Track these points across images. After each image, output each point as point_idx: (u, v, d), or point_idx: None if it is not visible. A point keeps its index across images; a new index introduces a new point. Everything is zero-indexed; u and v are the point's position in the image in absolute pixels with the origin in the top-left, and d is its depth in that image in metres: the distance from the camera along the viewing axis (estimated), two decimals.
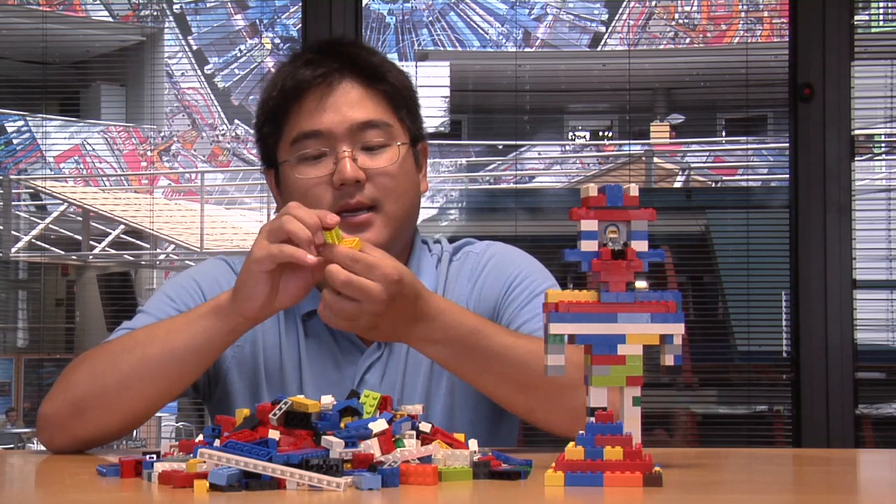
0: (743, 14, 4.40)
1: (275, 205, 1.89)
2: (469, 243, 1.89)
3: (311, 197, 1.71)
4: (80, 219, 5.06)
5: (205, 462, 1.20)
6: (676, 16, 4.82)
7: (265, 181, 1.87)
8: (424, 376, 1.75)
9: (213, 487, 1.17)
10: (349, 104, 1.74)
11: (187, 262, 4.99)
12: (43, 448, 1.68)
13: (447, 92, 4.55)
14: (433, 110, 4.34)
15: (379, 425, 1.25)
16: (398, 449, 1.25)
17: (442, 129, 4.57)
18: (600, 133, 5.60)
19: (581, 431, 1.18)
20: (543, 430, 1.62)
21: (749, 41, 4.20)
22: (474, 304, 1.80)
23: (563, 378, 1.19)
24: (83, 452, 1.64)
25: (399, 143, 1.75)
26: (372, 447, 1.23)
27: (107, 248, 5.10)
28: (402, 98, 1.79)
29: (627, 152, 4.49)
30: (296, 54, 1.82)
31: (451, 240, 1.92)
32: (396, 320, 1.52)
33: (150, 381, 1.59)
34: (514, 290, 1.78)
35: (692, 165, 4.70)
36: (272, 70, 5.02)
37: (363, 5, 3.78)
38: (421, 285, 1.55)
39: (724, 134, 4.70)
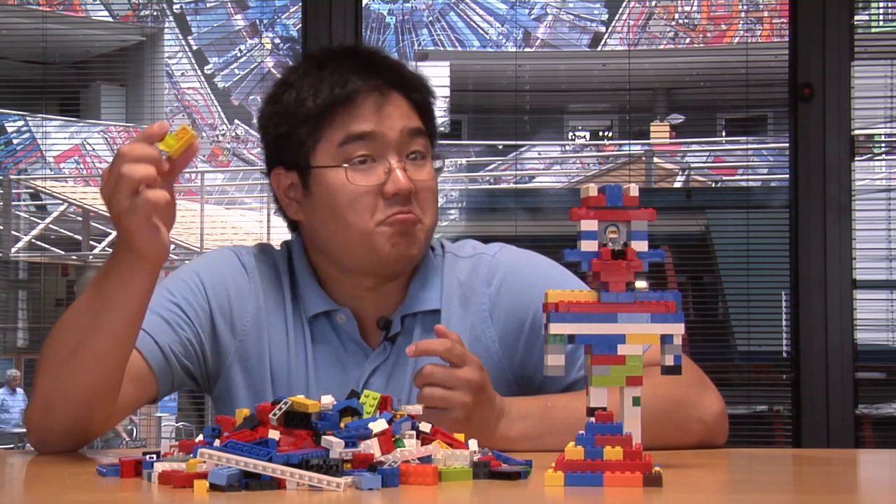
0: (743, 14, 4.40)
1: (273, 206, 1.89)
2: (471, 244, 1.89)
3: (358, 204, 1.74)
4: (80, 219, 5.06)
5: (205, 462, 1.20)
6: (676, 16, 4.82)
7: (269, 182, 1.86)
8: None
9: (213, 487, 1.17)
10: (401, 114, 1.78)
11: (187, 261, 4.98)
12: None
13: (447, 92, 4.55)
14: None
15: (379, 425, 1.25)
16: (398, 449, 1.25)
17: (442, 129, 4.56)
18: (600, 133, 5.60)
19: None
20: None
21: (749, 41, 4.20)
22: (497, 318, 1.80)
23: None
24: (77, 452, 1.64)
25: (437, 158, 1.81)
26: (372, 447, 1.23)
27: (107, 248, 5.10)
28: (432, 115, 1.85)
29: (627, 152, 4.49)
30: (331, 55, 1.83)
31: (451, 242, 1.92)
32: (484, 417, 1.59)
33: (94, 361, 1.56)
34: None
35: (692, 165, 4.70)
36: (273, 70, 5.02)
37: (363, 5, 3.78)
38: (492, 389, 1.62)
39: (724, 134, 4.70)
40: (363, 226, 1.74)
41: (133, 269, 1.51)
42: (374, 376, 1.77)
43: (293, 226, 1.86)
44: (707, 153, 4.80)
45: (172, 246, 1.48)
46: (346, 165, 1.75)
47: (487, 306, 1.80)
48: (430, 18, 5.49)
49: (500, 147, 4.80)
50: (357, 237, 1.75)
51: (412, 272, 1.82)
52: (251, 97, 5.55)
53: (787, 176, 3.72)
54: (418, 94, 1.82)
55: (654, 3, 4.74)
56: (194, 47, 5.42)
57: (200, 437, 1.32)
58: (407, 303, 1.80)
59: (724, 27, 4.70)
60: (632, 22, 5.00)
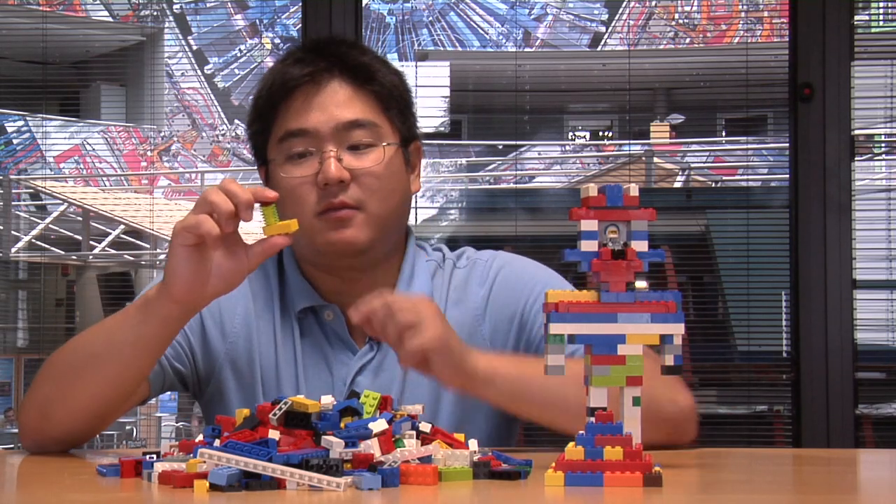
0: (743, 14, 4.40)
1: None
2: (467, 253, 1.87)
3: (295, 196, 1.72)
4: (80, 219, 5.06)
5: (205, 462, 1.20)
6: (676, 16, 4.81)
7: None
8: (428, 383, 1.69)
9: (213, 487, 1.17)
10: (336, 104, 1.73)
11: None
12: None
13: (447, 92, 4.54)
14: (433, 110, 4.33)
15: (379, 425, 1.25)
16: (398, 449, 1.25)
17: (442, 129, 4.56)
18: (600, 133, 5.59)
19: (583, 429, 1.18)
20: None
21: (749, 41, 4.20)
22: (489, 314, 1.79)
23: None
24: (76, 452, 1.64)
25: (386, 144, 1.74)
26: (372, 447, 1.23)
27: (107, 248, 5.10)
28: (392, 98, 1.78)
29: (627, 152, 4.49)
30: (288, 52, 1.82)
31: (451, 241, 1.92)
32: (455, 339, 1.50)
33: (99, 378, 1.58)
34: (536, 303, 1.77)
35: (692, 165, 4.70)
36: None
37: (363, 5, 3.78)
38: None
39: (724, 134, 4.70)
40: (302, 218, 1.68)
41: (162, 286, 1.51)
42: (361, 375, 1.76)
43: None
44: (707, 153, 4.79)
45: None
46: (276, 159, 1.74)
47: (481, 304, 1.79)
48: (430, 18, 5.49)
49: (500, 147, 4.80)
50: (300, 230, 1.73)
51: (397, 271, 1.80)
52: (251, 97, 5.55)
53: (787, 176, 3.72)
54: (365, 81, 1.75)
55: (654, 3, 4.73)
56: (194, 47, 5.41)
57: (200, 437, 1.33)
58: None
59: (724, 27, 4.70)
60: (632, 22, 4.99)
